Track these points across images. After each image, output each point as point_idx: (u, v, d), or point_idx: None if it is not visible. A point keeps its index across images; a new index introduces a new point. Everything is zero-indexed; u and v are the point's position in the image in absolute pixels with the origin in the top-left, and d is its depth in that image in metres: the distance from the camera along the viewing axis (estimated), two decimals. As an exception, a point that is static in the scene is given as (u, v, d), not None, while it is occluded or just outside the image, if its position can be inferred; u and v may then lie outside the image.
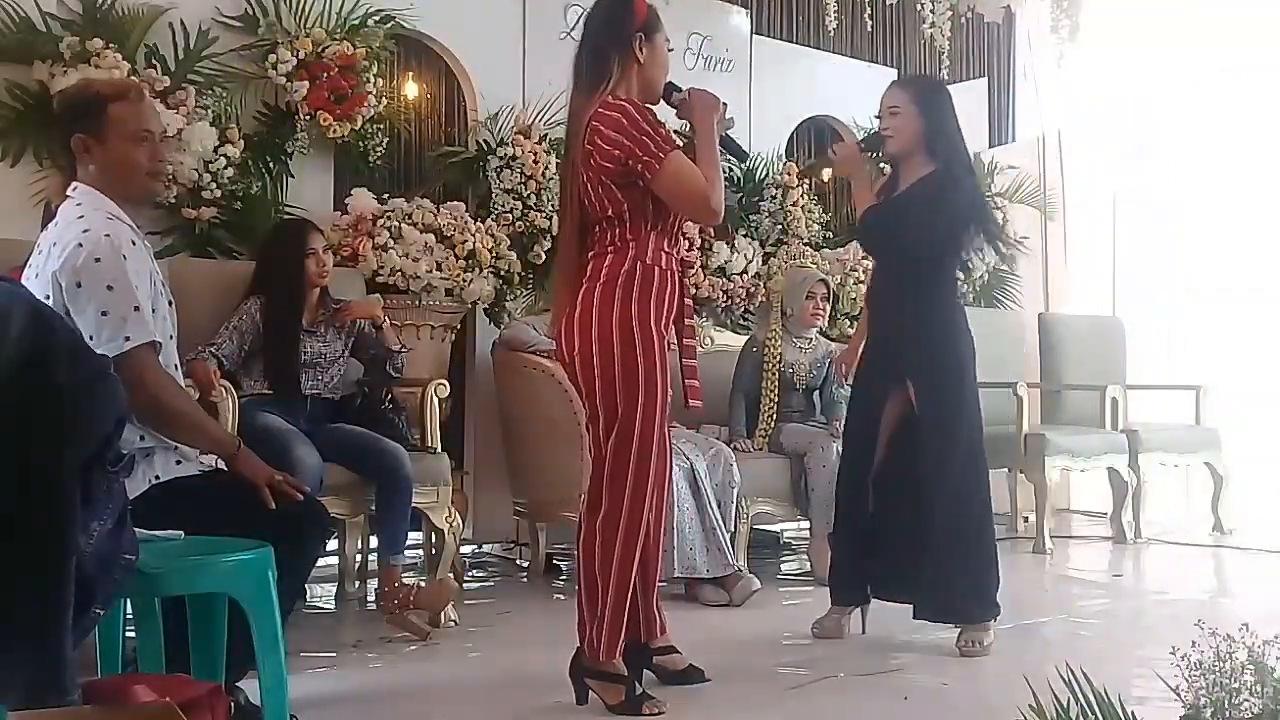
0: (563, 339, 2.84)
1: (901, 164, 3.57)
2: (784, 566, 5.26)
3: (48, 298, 2.36)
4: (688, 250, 5.57)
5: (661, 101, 2.94)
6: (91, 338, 2.33)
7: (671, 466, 3.00)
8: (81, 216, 2.44)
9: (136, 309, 2.41)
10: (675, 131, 3.11)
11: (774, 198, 6.03)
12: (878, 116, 3.58)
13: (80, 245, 2.38)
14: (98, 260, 2.38)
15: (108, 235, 2.41)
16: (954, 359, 3.53)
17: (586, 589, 2.80)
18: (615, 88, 2.82)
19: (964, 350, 3.55)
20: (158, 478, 2.50)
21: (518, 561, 5.13)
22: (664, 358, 2.81)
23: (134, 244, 2.49)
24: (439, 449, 3.96)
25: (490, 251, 4.68)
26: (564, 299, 2.88)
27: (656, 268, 2.82)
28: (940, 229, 3.43)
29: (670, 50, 2.94)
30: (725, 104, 2.89)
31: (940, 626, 3.70)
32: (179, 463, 2.55)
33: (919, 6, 7.02)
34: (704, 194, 2.74)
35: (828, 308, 5.01)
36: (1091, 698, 1.65)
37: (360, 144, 4.68)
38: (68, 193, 2.53)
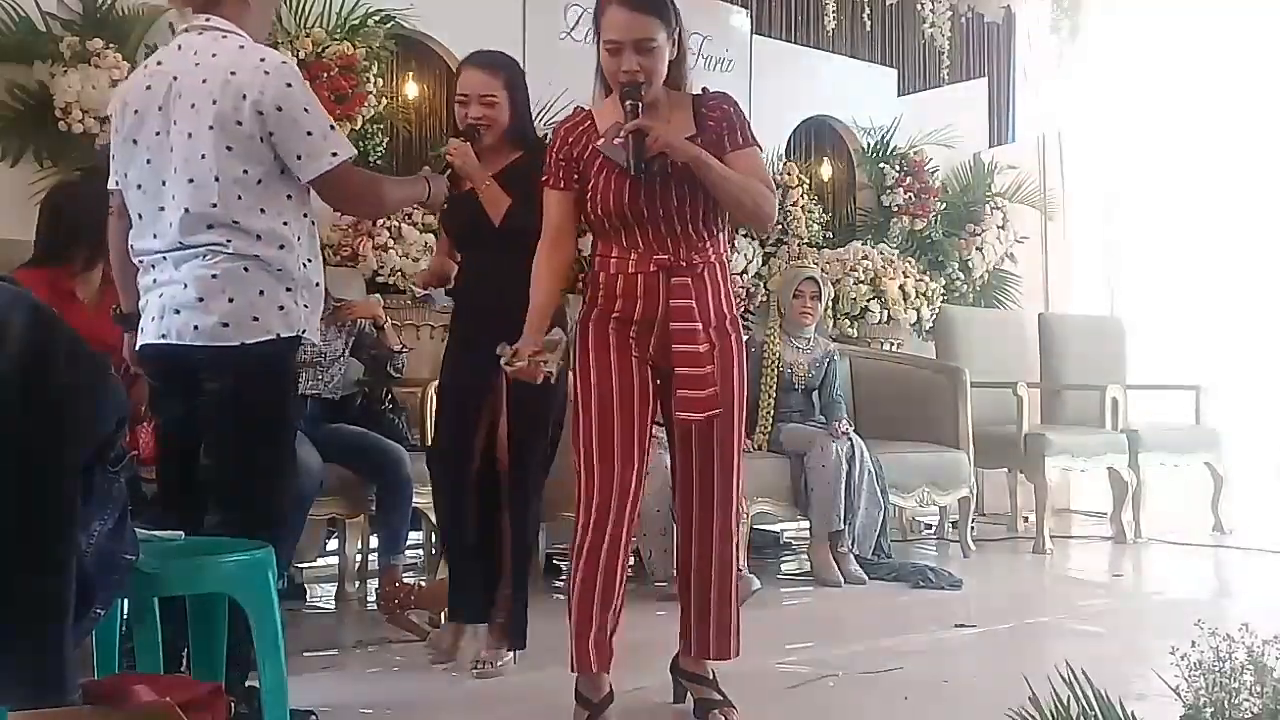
0: None
1: (485, 154, 3.21)
2: (784, 566, 5.26)
3: (239, 124, 2.47)
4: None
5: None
6: (300, 157, 2.51)
7: (644, 473, 2.74)
8: (242, 47, 2.54)
9: (332, 127, 2.57)
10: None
11: (774, 198, 6.03)
12: (462, 99, 3.21)
13: (268, 73, 2.50)
14: (289, 85, 2.51)
15: (284, 61, 2.56)
16: None
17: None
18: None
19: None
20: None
21: (518, 561, 5.12)
22: (622, 362, 2.68)
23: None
24: (439, 449, 3.96)
25: (490, 251, 4.68)
26: None
27: (603, 273, 2.70)
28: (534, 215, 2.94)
29: (610, 47, 2.61)
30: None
31: (943, 626, 3.71)
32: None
33: (919, 6, 7.04)
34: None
35: (817, 305, 4.98)
36: (1091, 697, 1.65)
37: (360, 144, 4.68)
38: (202, 21, 2.58)
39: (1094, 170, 7.33)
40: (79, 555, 1.68)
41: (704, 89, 2.84)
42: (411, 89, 5.25)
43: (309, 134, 2.52)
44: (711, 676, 2.84)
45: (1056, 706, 1.65)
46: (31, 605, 1.63)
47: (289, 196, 2.57)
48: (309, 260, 2.63)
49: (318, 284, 2.66)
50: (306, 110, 2.53)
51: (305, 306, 2.60)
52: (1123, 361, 6.51)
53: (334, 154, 2.55)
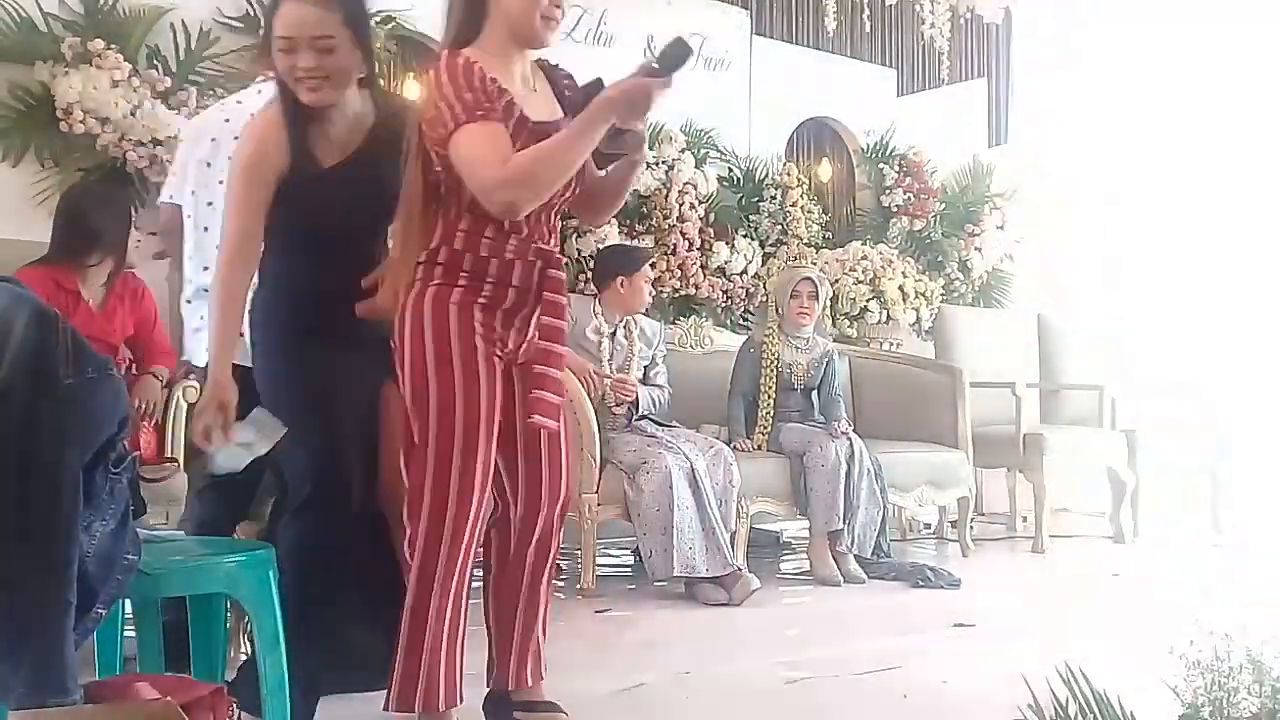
0: None
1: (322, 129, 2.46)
2: (783, 565, 5.26)
3: None
4: (680, 252, 5.57)
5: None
6: None
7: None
8: None
9: None
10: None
11: (773, 198, 6.04)
12: (286, 44, 2.36)
13: None
14: None
15: None
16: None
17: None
18: (461, 36, 2.32)
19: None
20: None
21: (517, 561, 5.13)
22: (489, 363, 2.33)
23: None
24: (439, 449, 3.96)
25: (490, 252, 4.68)
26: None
27: (470, 254, 2.33)
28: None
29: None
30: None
31: (942, 625, 3.71)
32: None
33: (918, 7, 7.03)
34: (485, 179, 2.20)
35: (815, 306, 4.99)
36: (1090, 697, 1.66)
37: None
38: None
39: (1094, 170, 7.34)
40: (81, 556, 1.69)
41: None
42: (412, 89, 5.25)
43: None
44: (544, 697, 2.62)
45: (1056, 706, 1.65)
46: (34, 605, 1.63)
47: None
48: None
49: None
50: None
51: None
52: (1121, 361, 6.52)
53: None
